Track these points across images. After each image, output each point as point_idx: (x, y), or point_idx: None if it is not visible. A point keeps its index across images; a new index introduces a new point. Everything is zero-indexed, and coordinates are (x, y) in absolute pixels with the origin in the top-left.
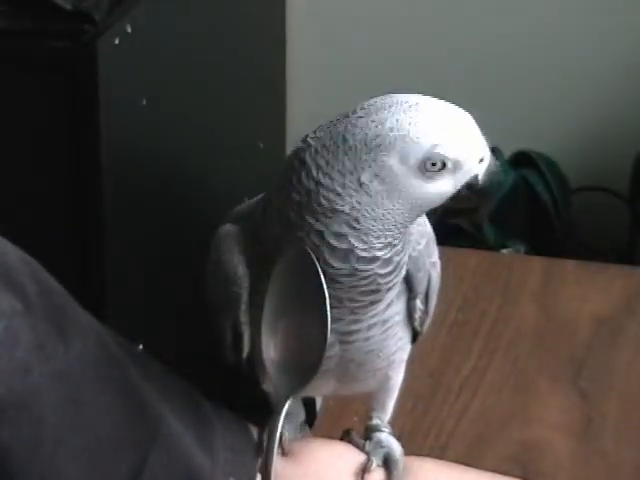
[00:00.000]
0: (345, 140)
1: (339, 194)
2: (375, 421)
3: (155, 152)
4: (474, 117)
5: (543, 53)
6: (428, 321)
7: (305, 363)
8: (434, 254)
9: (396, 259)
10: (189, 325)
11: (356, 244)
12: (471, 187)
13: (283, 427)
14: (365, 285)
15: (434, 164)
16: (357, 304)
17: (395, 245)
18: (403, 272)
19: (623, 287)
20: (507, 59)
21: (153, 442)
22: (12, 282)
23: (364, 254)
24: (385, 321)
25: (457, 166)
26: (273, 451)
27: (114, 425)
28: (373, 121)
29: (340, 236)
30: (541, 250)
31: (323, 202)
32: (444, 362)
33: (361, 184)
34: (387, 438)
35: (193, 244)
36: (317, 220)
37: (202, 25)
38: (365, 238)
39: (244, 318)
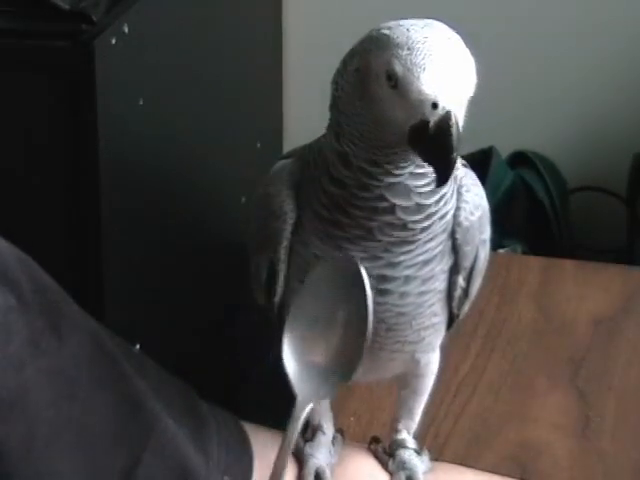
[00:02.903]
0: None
1: (336, 82)
2: (401, 435)
3: (152, 152)
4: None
5: (541, 53)
6: (467, 306)
7: (336, 372)
8: (486, 231)
9: (423, 202)
10: (188, 325)
11: (344, 147)
12: (418, 131)
13: (318, 460)
14: (385, 212)
15: (390, 77)
16: (387, 238)
17: (391, 172)
18: (442, 223)
19: (621, 287)
20: (505, 59)
21: (148, 440)
22: (7, 279)
23: (355, 161)
24: (423, 280)
25: (404, 89)
26: (286, 457)
27: (108, 422)
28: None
29: (335, 136)
30: (539, 250)
31: (335, 102)
32: (442, 362)
33: (347, 72)
34: (410, 458)
35: (191, 243)
36: (333, 120)
37: (200, 26)
38: (345, 139)
39: (283, 255)
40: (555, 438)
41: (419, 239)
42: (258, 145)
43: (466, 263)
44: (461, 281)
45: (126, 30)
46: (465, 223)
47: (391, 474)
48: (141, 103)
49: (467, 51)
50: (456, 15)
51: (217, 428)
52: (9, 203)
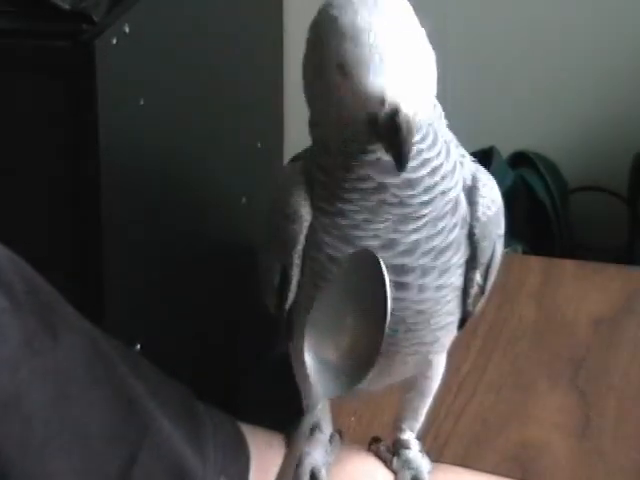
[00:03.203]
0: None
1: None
2: (405, 435)
3: (153, 152)
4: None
5: (542, 53)
6: (481, 303)
7: (355, 368)
8: (502, 226)
9: (412, 175)
10: (188, 325)
11: (321, 133)
12: (371, 123)
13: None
14: (376, 192)
15: (340, 68)
16: (389, 216)
17: (367, 149)
18: (447, 200)
19: (621, 287)
20: (506, 59)
21: (143, 440)
22: (0, 281)
23: (332, 145)
24: (440, 272)
25: (352, 82)
26: (297, 451)
27: (104, 422)
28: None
29: (312, 123)
30: (539, 250)
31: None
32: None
33: (305, 60)
34: (415, 457)
35: (191, 243)
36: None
37: (200, 26)
38: (318, 126)
39: (297, 260)
40: (556, 438)
41: (423, 214)
42: (259, 145)
43: (483, 259)
44: (478, 277)
45: (127, 30)
46: (483, 218)
47: (395, 473)
48: (142, 103)
49: (415, 32)
50: (457, 15)
51: (213, 429)
52: (9, 204)
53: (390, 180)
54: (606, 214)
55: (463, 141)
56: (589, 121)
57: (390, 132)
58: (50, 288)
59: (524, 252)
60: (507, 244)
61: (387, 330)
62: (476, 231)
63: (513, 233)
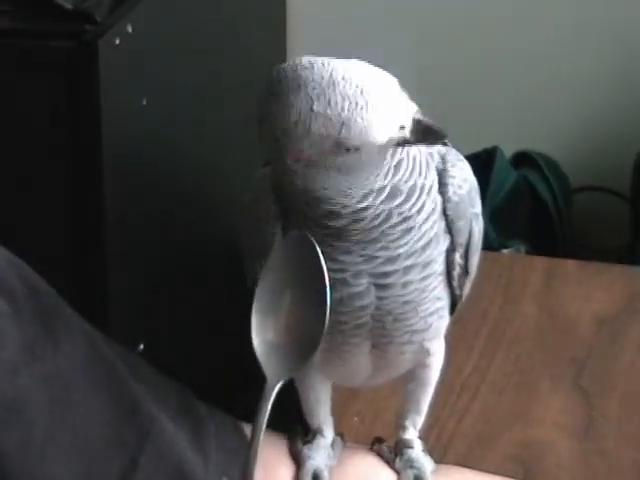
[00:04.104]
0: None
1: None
2: (408, 434)
3: (156, 152)
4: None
5: (543, 53)
6: (468, 285)
7: (301, 346)
8: (477, 205)
9: (404, 186)
10: (189, 325)
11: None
12: (405, 143)
13: (315, 461)
14: (386, 221)
15: (347, 149)
16: (391, 237)
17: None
18: (431, 200)
19: (624, 287)
20: (507, 59)
21: (145, 442)
22: (0, 284)
23: (343, 210)
24: (424, 266)
25: (369, 144)
26: (258, 440)
27: (104, 425)
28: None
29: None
30: (542, 250)
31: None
32: (445, 362)
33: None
34: (418, 457)
35: (194, 244)
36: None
37: (203, 25)
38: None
39: None
40: (558, 438)
41: (416, 223)
42: None
43: (461, 239)
44: (459, 259)
45: (130, 30)
46: (454, 198)
47: (397, 472)
48: (144, 103)
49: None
50: (459, 16)
51: (215, 430)
52: (10, 205)
53: (397, 202)
54: (609, 214)
55: (466, 141)
56: (592, 121)
57: (426, 133)
58: (51, 290)
59: (527, 252)
60: (510, 244)
61: (329, 306)
62: (449, 212)
63: (516, 233)
